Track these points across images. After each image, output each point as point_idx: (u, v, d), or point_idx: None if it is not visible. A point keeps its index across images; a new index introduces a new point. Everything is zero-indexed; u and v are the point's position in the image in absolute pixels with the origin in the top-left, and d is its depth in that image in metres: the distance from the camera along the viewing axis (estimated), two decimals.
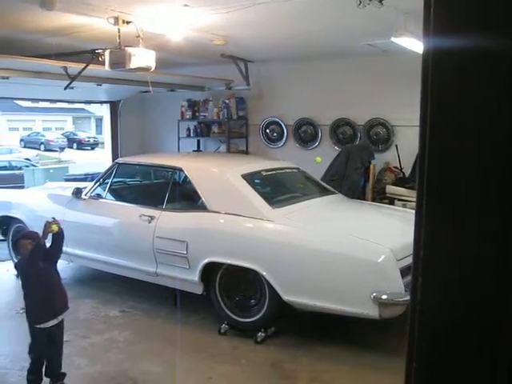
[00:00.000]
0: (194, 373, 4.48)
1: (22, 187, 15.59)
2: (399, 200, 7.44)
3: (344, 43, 7.30)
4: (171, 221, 5.47)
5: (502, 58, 0.87)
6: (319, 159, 6.58)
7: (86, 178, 12.84)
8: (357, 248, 4.53)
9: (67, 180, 13.06)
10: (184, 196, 5.86)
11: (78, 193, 6.25)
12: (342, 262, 4.51)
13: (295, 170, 6.41)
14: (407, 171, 8.20)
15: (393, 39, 5.64)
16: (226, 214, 5.19)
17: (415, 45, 5.83)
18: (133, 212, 5.77)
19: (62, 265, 7.02)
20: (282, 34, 6.76)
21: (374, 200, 7.72)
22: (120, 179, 6.69)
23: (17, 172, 21.06)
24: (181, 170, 5.80)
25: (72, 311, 5.79)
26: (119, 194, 6.45)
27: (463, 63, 0.90)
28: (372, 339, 5.06)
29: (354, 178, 7.87)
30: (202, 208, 5.35)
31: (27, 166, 22.29)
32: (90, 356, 4.79)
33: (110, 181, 6.25)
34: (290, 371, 4.52)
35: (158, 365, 4.63)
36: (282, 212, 5.17)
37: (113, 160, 11.22)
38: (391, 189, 7.76)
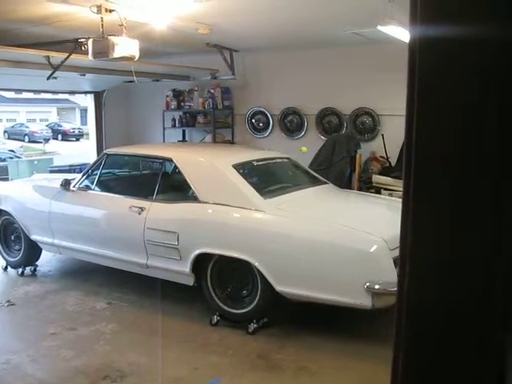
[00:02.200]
0: (180, 363, 4.48)
1: (7, 179, 15.44)
2: (385, 189, 7.45)
3: (330, 32, 7.28)
4: (162, 212, 5.42)
5: (488, 46, 0.86)
6: (304, 149, 6.57)
7: (70, 169, 12.73)
8: (349, 238, 4.51)
9: (52, 171, 12.92)
10: (174, 187, 5.81)
11: (66, 184, 6.17)
12: (334, 252, 4.50)
13: (286, 160, 6.38)
14: (393, 161, 8.22)
15: (379, 28, 5.62)
16: (217, 204, 5.15)
17: (402, 33, 5.82)
18: (123, 203, 5.71)
19: (47, 256, 7.02)
20: (268, 23, 6.73)
21: (360, 189, 7.73)
22: (109, 170, 6.62)
23: (1, 164, 20.86)
24: (171, 160, 5.73)
25: (58, 303, 5.80)
26: (108, 185, 6.38)
27: (449, 51, 0.89)
28: (360, 328, 5.08)
29: (341, 167, 7.88)
30: (193, 199, 5.31)
31: (11, 158, 22.10)
32: (77, 348, 4.76)
33: (99, 172, 6.17)
34: (276, 361, 4.52)
35: (144, 356, 4.61)
36: (274, 202, 5.14)
37: (98, 151, 11.17)
38: (377, 178, 7.77)
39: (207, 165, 5.65)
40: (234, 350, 4.71)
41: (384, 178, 7.70)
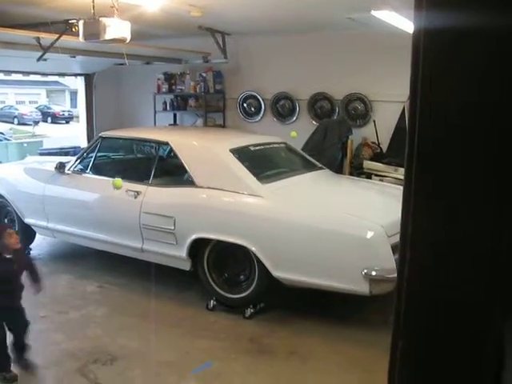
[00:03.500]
0: (171, 347, 4.48)
1: None
2: (376, 175, 7.46)
3: (324, 16, 7.23)
4: (158, 196, 5.38)
5: (499, 37, 0.83)
6: (294, 134, 6.54)
7: (61, 152, 12.64)
8: (347, 224, 4.50)
9: (42, 154, 12.84)
10: (171, 171, 5.77)
11: (61, 167, 6.09)
12: (332, 239, 4.49)
13: (282, 145, 6.34)
14: (385, 147, 8.23)
15: (373, 13, 5.60)
16: (214, 189, 5.12)
17: (396, 19, 5.80)
18: None
19: (37, 240, 6.97)
20: (260, 6, 6.67)
21: (351, 175, 7.73)
22: (104, 154, 6.55)
23: None
24: (167, 144, 5.68)
25: (49, 287, 5.74)
26: (103, 168, 6.29)
27: (456, 39, 0.86)
28: (350, 314, 5.11)
29: (332, 152, 7.87)
30: (190, 183, 5.26)
31: (0, 141, 21.91)
32: (68, 331, 4.76)
33: (94, 155, 6.10)
34: (268, 345, 4.54)
35: (135, 340, 4.61)
36: (271, 187, 5.12)
37: (88, 134, 11.09)
38: (369, 164, 7.78)
39: (204, 149, 5.61)
40: (226, 335, 4.73)
41: (375, 163, 7.71)
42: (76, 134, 15.58)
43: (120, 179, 5.40)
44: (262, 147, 6.06)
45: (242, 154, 5.52)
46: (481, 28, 0.83)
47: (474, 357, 0.89)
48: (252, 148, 5.87)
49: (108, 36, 5.42)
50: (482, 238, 0.85)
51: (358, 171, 7.85)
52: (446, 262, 0.88)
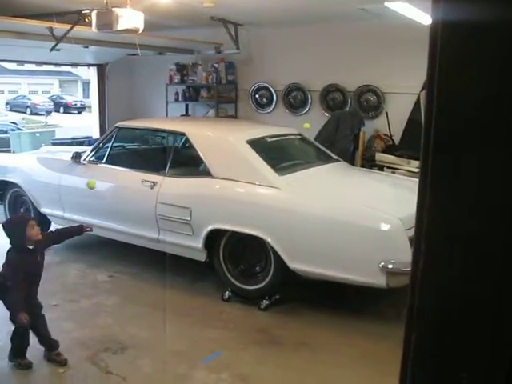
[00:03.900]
0: (181, 337, 4.51)
1: (8, 151, 15.42)
2: (388, 168, 7.43)
3: (337, 7, 7.18)
4: (174, 187, 5.37)
5: None
6: (307, 125, 6.52)
7: (72, 142, 12.70)
8: (364, 216, 4.46)
9: (54, 144, 12.90)
10: (187, 161, 5.74)
11: (77, 157, 6.10)
12: (349, 231, 4.46)
13: (299, 137, 6.31)
14: (397, 139, 8.19)
15: (386, 4, 5.55)
16: (230, 180, 5.10)
17: (409, 10, 5.75)
18: (134, 177, 5.65)
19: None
20: None
21: (363, 167, 7.70)
22: (120, 144, 6.54)
23: (2, 136, 20.78)
24: (184, 134, 5.67)
25: (60, 276, 5.82)
26: (119, 158, 6.27)
27: (476, 33, 0.84)
28: (362, 306, 5.10)
29: (344, 144, 7.83)
30: (206, 174, 5.24)
31: (13, 130, 22.02)
32: (78, 320, 4.79)
33: (110, 145, 6.09)
34: (277, 336, 4.55)
35: (146, 329, 4.64)
36: (288, 179, 5.08)
37: (100, 124, 11.13)
38: (381, 156, 7.74)
39: (221, 140, 5.58)
40: (236, 325, 4.74)
41: (387, 156, 7.67)
42: (88, 124, 15.63)
43: (94, 180, 5.47)
44: (279, 138, 6.03)
45: (258, 145, 5.47)
46: (499, 20, 0.81)
47: (488, 350, 0.88)
48: (268, 139, 5.84)
49: (121, 26, 5.42)
50: (498, 232, 0.84)
51: (369, 163, 7.82)
52: (461, 255, 0.87)
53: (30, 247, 3.95)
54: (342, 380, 3.96)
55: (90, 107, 17.52)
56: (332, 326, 4.70)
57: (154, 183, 5.43)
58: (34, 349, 4.14)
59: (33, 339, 4.13)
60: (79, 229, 4.58)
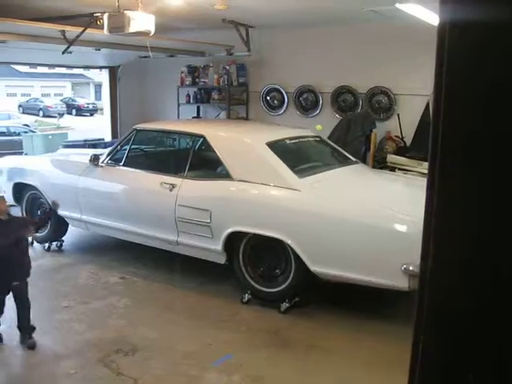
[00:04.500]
0: (193, 339, 4.51)
1: (21, 153, 15.50)
2: (400, 169, 7.39)
3: (347, 9, 7.17)
4: (194, 189, 5.36)
5: None
6: (319, 127, 6.51)
7: (85, 144, 12.75)
8: (385, 218, 4.44)
9: (66, 146, 12.96)
10: (206, 164, 5.73)
11: (95, 160, 6.09)
12: (370, 232, 4.43)
13: (317, 139, 6.29)
14: (408, 140, 8.15)
15: (397, 5, 5.53)
16: (250, 182, 5.08)
17: (421, 12, 5.73)
18: (153, 180, 5.63)
19: None
20: None
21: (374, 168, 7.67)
22: (138, 146, 6.53)
23: (15, 138, 20.91)
24: (203, 137, 5.64)
25: (72, 277, 5.85)
26: (138, 161, 6.28)
27: (483, 33, 0.84)
28: (378, 309, 5.07)
29: (355, 146, 7.80)
30: (226, 176, 5.22)
31: (26, 132, 22.15)
32: (90, 321, 4.82)
33: (129, 148, 6.09)
34: (289, 339, 4.55)
35: (157, 330, 4.65)
36: (308, 181, 5.05)
37: (112, 126, 11.17)
38: (392, 158, 7.71)
39: (240, 142, 5.56)
40: (247, 327, 4.74)
41: (399, 157, 7.63)
42: (100, 126, 15.70)
43: None
44: (297, 141, 6.01)
45: (278, 147, 5.44)
46: (507, 20, 0.81)
47: (496, 351, 0.88)
48: (288, 141, 5.82)
49: (132, 29, 5.45)
50: (506, 234, 0.84)
51: (381, 165, 7.79)
52: (470, 257, 0.87)
53: (4, 219, 4.29)
54: (354, 381, 3.95)
55: (101, 109, 17.61)
56: (344, 327, 4.69)
57: (173, 185, 5.42)
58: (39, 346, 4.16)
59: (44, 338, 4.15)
60: (48, 212, 5.25)
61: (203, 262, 5.44)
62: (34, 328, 4.40)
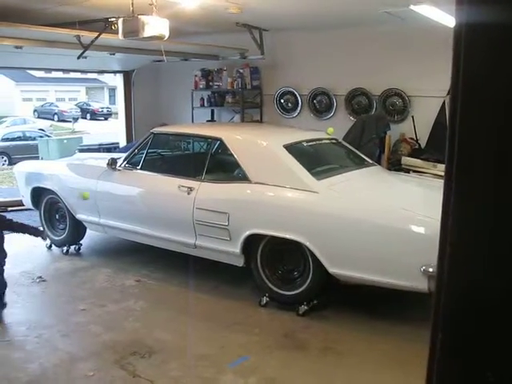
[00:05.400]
0: (207, 342, 4.52)
1: (37, 158, 15.67)
2: (414, 171, 7.38)
3: (361, 11, 7.17)
4: (212, 192, 5.37)
5: None
6: (331, 130, 6.52)
7: (100, 148, 12.86)
8: (404, 219, 4.43)
9: (81, 150, 13.07)
10: (224, 167, 5.76)
11: (113, 163, 6.12)
12: (389, 234, 4.42)
13: (334, 141, 6.29)
14: (423, 142, 8.13)
15: (411, 7, 5.52)
16: (268, 185, 5.08)
17: (435, 13, 5.72)
18: (171, 183, 5.65)
19: None
20: (299, 2, 6.65)
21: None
22: (155, 150, 6.55)
23: (31, 142, 21.13)
24: (220, 140, 5.63)
25: (88, 280, 5.90)
26: (155, 164, 6.30)
27: (500, 36, 0.84)
28: (392, 311, 5.06)
29: (369, 148, 7.80)
30: (244, 179, 5.24)
31: (41, 137, 22.40)
32: (106, 324, 4.85)
33: (146, 151, 6.12)
34: (302, 341, 4.55)
35: (173, 333, 4.67)
36: (326, 183, 5.05)
37: (127, 130, 11.24)
38: (407, 160, 7.70)
39: (258, 145, 5.56)
40: (260, 329, 4.75)
41: (413, 159, 7.62)
42: (115, 131, 15.81)
43: (88, 192, 5.74)
44: (314, 143, 6.02)
45: (295, 149, 5.44)
46: None
47: None
48: (305, 144, 5.83)
49: (147, 33, 5.48)
50: None
51: (395, 167, 7.78)
52: (487, 257, 0.87)
53: None
54: None
55: (116, 113, 17.72)
56: (357, 329, 4.69)
57: (191, 188, 5.43)
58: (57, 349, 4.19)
59: (62, 340, 4.17)
60: (36, 231, 5.21)
61: (218, 264, 5.46)
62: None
